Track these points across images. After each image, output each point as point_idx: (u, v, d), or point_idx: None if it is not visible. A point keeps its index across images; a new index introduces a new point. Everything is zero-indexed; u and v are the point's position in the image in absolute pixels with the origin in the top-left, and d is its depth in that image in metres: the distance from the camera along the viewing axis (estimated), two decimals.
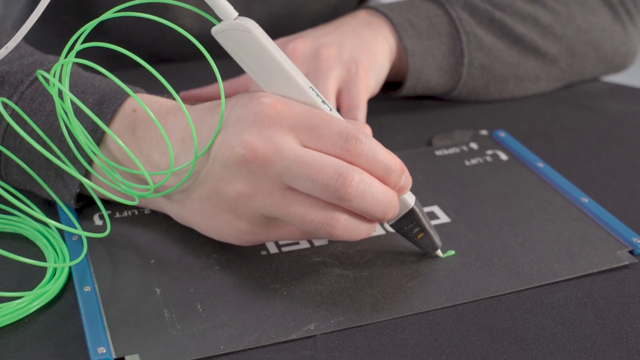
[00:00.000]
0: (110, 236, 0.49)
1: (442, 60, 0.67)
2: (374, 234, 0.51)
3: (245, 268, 0.48)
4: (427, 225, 0.48)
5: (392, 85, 0.69)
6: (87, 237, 0.48)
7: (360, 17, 0.67)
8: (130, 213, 0.52)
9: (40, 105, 0.49)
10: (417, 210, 0.47)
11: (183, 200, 0.47)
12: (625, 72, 0.78)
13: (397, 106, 0.69)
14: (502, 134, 0.65)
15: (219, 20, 0.44)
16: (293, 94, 0.45)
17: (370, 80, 0.62)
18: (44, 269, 0.46)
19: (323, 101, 0.46)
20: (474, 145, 0.63)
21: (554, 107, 0.71)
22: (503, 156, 0.62)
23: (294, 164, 0.43)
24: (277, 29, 0.70)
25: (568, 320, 0.45)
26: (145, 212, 0.52)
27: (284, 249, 0.50)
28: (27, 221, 0.49)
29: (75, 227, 0.49)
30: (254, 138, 0.43)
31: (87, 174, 0.49)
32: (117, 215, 0.52)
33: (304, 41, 0.62)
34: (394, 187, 0.45)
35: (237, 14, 0.44)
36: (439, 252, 0.49)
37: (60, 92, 0.47)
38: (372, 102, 0.64)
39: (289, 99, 0.45)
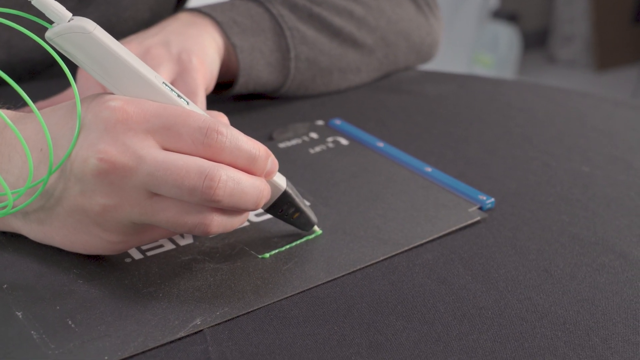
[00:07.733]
0: None
1: (269, 55, 0.67)
2: (240, 226, 0.50)
3: (112, 277, 0.45)
4: (301, 205, 0.48)
5: (222, 87, 0.69)
6: None
7: (183, 19, 0.65)
8: None
9: None
10: (290, 191, 0.47)
11: (42, 220, 0.43)
12: (432, 61, 0.84)
13: (229, 107, 0.68)
14: (337, 121, 0.66)
15: (51, 23, 0.41)
16: (145, 93, 0.42)
17: (206, 70, 0.61)
18: None
19: (179, 95, 0.43)
20: (314, 135, 0.64)
21: (377, 95, 0.74)
22: (344, 141, 0.63)
23: (157, 170, 0.40)
24: None
25: (441, 276, 0.47)
26: None
27: (149, 253, 0.47)
28: None
29: None
30: (109, 147, 0.40)
31: None
32: None
33: (129, 46, 0.60)
34: (261, 174, 0.44)
35: (71, 15, 0.41)
36: (316, 228, 0.50)
37: None
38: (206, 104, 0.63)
39: (142, 98, 0.42)
